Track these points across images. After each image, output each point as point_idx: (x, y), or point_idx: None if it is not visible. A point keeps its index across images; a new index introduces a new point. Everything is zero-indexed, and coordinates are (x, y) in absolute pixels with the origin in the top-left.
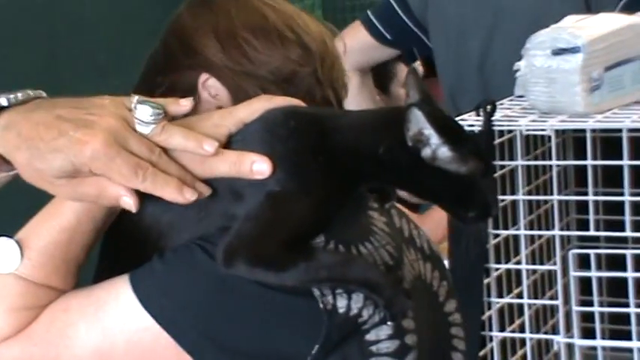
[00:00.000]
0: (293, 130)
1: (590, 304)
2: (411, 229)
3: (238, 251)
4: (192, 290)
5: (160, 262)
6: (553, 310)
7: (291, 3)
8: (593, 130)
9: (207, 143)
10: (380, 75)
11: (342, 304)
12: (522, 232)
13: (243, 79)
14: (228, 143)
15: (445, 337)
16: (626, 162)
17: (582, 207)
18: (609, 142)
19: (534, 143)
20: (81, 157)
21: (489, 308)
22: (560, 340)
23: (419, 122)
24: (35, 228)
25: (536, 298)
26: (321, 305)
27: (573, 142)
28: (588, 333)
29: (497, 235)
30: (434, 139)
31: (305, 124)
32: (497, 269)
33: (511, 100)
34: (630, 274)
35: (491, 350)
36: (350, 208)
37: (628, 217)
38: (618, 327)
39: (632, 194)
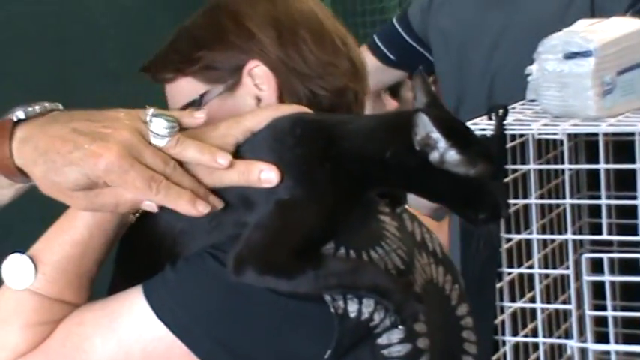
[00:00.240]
0: (300, 138)
1: (603, 308)
2: (422, 232)
3: (248, 259)
4: (204, 298)
5: (172, 272)
6: (566, 314)
7: None
8: (606, 134)
9: (220, 156)
10: None
11: (353, 308)
12: (535, 236)
13: (295, 76)
14: (237, 152)
15: (457, 341)
16: (638, 165)
17: (595, 211)
18: (621, 146)
19: (546, 147)
20: (96, 170)
21: (502, 312)
22: (573, 344)
23: (426, 126)
24: (48, 243)
25: (548, 302)
26: (332, 310)
27: (585, 145)
28: (601, 337)
29: (509, 239)
30: (441, 142)
31: (312, 132)
32: (509, 273)
33: (523, 104)
34: None
35: (504, 354)
36: (361, 213)
37: None
38: (632, 331)
39: None
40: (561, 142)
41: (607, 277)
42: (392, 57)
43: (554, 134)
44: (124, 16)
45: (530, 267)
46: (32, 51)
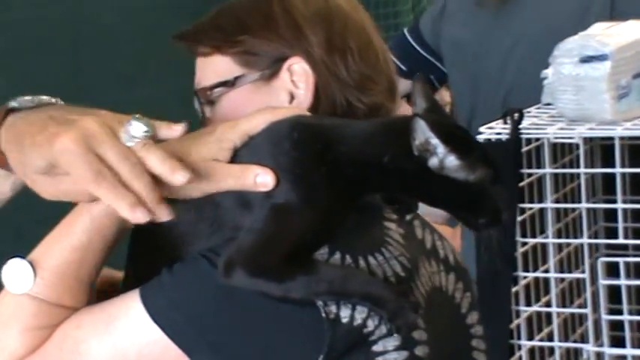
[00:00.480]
0: (297, 142)
1: (619, 312)
2: (434, 240)
3: (237, 262)
4: (198, 301)
5: (168, 275)
6: (582, 318)
7: None
8: (622, 138)
9: (180, 173)
10: None
11: (345, 313)
12: (550, 240)
13: (335, 82)
14: (234, 156)
15: (465, 350)
16: None
17: (610, 215)
18: (637, 150)
19: (562, 151)
20: (51, 151)
21: (517, 317)
22: (589, 348)
23: (424, 132)
24: (47, 248)
25: (564, 306)
26: (324, 314)
27: (601, 149)
28: (617, 341)
29: (525, 243)
30: (440, 148)
31: (309, 135)
32: (525, 277)
33: (538, 108)
34: None
35: (520, 359)
36: (363, 218)
37: None
38: None
39: None
40: (577, 145)
41: (623, 281)
42: (404, 68)
43: (570, 138)
44: (136, 19)
45: (546, 271)
46: (44, 55)
